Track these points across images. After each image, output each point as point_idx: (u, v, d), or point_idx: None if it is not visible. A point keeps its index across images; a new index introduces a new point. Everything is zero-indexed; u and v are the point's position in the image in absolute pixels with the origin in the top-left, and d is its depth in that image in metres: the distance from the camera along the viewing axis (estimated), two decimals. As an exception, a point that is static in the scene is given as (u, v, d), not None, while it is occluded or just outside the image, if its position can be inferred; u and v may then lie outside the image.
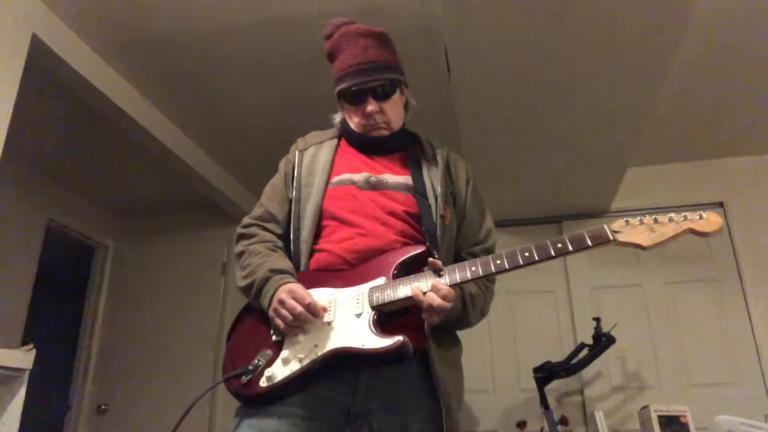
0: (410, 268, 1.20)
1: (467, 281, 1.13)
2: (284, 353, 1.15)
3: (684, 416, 2.87)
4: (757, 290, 3.49)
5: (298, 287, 1.19)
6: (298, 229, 1.34)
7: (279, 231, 1.39)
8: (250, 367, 1.15)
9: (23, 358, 2.22)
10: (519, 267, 1.09)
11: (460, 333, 1.35)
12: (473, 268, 1.12)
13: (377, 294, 1.16)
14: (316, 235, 1.33)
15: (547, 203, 3.75)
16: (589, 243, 1.05)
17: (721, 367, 3.43)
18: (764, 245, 3.55)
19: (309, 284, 1.23)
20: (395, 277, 1.18)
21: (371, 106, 1.35)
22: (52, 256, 3.87)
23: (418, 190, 1.34)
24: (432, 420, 1.14)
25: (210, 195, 3.83)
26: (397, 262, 1.20)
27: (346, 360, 1.12)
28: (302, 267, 1.31)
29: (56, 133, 3.39)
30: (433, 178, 1.37)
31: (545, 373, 3.16)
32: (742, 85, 3.00)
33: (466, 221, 1.39)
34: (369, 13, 2.28)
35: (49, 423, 4.14)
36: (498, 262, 1.10)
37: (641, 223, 1.07)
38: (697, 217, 1.04)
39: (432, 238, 1.26)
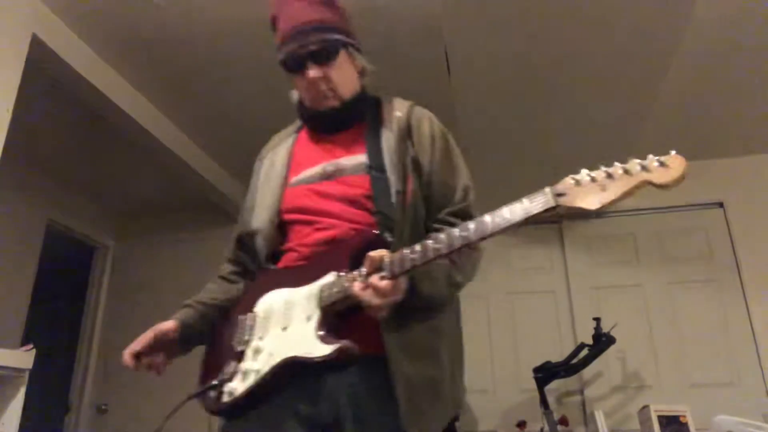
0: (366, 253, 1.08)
1: (405, 272, 0.99)
2: (244, 365, 1.11)
3: (684, 416, 2.87)
4: (757, 290, 3.49)
5: (152, 330, 1.22)
6: (253, 237, 1.28)
7: (232, 253, 1.37)
8: (216, 382, 1.11)
9: (23, 358, 2.22)
10: (455, 251, 0.96)
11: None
12: (413, 256, 0.98)
13: (326, 293, 1.07)
14: (281, 238, 1.27)
15: (547, 203, 3.74)
16: (533, 211, 0.93)
17: (721, 367, 3.43)
18: (764, 245, 3.55)
19: (269, 285, 1.19)
20: (350, 270, 1.06)
21: (312, 72, 1.23)
22: (52, 256, 3.87)
23: (374, 166, 1.21)
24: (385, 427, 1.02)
25: (210, 195, 3.83)
26: (347, 255, 1.09)
27: (304, 367, 1.03)
28: (270, 265, 1.26)
29: (56, 133, 3.39)
30: (390, 148, 1.23)
31: (545, 373, 3.17)
32: (742, 85, 3.00)
33: (435, 187, 1.22)
34: (369, 14, 2.28)
35: (49, 423, 4.14)
36: (436, 246, 0.96)
37: (593, 180, 0.93)
38: (656, 163, 0.87)
39: (386, 220, 1.14)
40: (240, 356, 1.12)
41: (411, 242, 1.03)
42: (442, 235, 0.97)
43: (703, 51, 2.68)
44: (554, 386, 3.39)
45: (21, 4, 2.22)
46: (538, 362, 3.22)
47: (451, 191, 1.23)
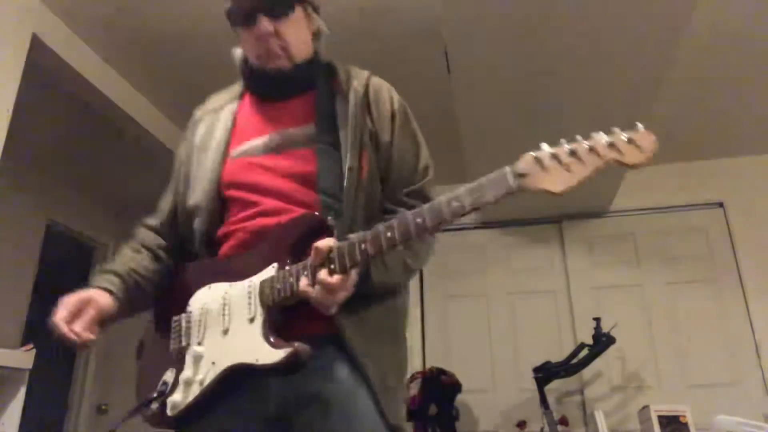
0: (311, 241, 0.96)
1: (356, 265, 0.90)
2: (185, 373, 1.00)
3: (684, 416, 2.87)
4: (757, 290, 3.49)
5: (74, 296, 1.08)
6: (191, 215, 1.14)
7: (160, 224, 1.22)
8: (155, 395, 1.01)
9: (23, 358, 2.22)
10: (411, 238, 0.88)
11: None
12: (364, 246, 0.88)
13: (267, 289, 0.96)
14: (221, 217, 1.12)
15: (547, 203, 3.74)
16: (491, 198, 0.84)
17: (721, 367, 3.43)
18: (764, 245, 3.55)
19: (202, 278, 1.06)
20: (293, 260, 0.97)
21: (263, 25, 1.10)
22: (52, 256, 3.87)
23: (321, 140, 1.08)
24: (364, 410, 0.96)
25: (210, 195, 3.83)
26: (287, 243, 0.98)
27: (252, 370, 0.94)
28: (206, 254, 1.12)
29: (56, 133, 3.38)
30: (345, 118, 1.11)
31: (545, 373, 3.17)
32: (742, 85, 3.00)
33: (394, 165, 1.12)
34: (369, 14, 2.28)
35: (49, 423, 4.14)
36: (389, 234, 0.87)
37: (555, 159, 0.84)
38: (624, 139, 0.81)
39: (332, 201, 1.02)
40: (178, 364, 1.02)
41: (364, 225, 0.97)
42: (395, 222, 0.88)
43: (703, 52, 2.68)
44: (554, 386, 3.38)
45: (21, 4, 2.22)
46: (538, 362, 3.22)
47: (410, 170, 1.14)
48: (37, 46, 2.28)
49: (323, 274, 0.89)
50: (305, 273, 0.92)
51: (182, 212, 1.17)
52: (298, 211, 1.03)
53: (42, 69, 2.44)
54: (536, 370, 3.19)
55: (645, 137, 0.81)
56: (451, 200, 0.86)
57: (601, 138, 0.83)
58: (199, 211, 1.13)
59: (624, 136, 0.81)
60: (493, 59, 2.30)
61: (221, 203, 1.12)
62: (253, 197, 1.08)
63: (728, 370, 3.42)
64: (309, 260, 0.92)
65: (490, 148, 3.03)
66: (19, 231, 3.62)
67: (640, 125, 0.81)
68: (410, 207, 0.95)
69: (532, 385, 3.22)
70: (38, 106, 3.01)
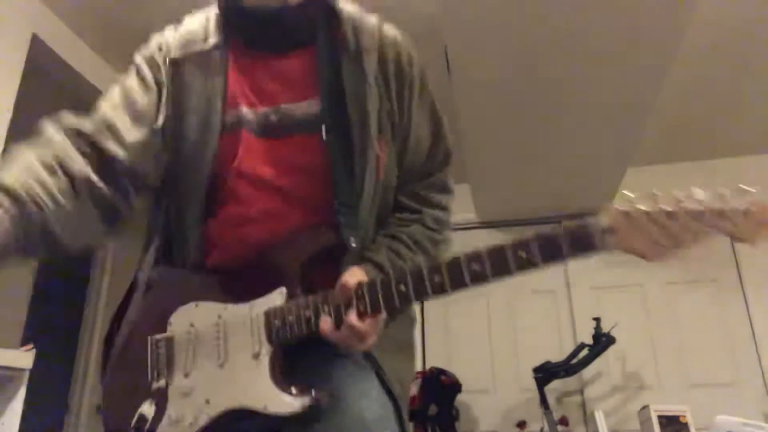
0: (324, 261, 0.83)
1: (394, 310, 0.75)
2: (171, 410, 0.82)
3: (684, 416, 2.87)
4: (757, 290, 3.49)
5: None
6: (181, 199, 0.89)
7: (121, 154, 0.86)
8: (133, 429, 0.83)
9: (23, 358, 2.22)
10: (462, 288, 0.73)
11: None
12: (401, 287, 0.73)
13: (277, 321, 0.78)
14: (208, 208, 0.89)
15: (547, 203, 3.74)
16: (567, 253, 0.69)
17: (721, 367, 3.43)
18: (764, 245, 3.54)
19: (186, 291, 0.86)
20: (303, 285, 0.80)
21: None
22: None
23: (329, 124, 0.86)
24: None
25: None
26: (296, 265, 0.81)
27: (254, 413, 0.78)
28: (190, 260, 0.89)
29: (56, 133, 3.38)
30: (358, 92, 0.86)
31: (545, 373, 3.16)
32: (742, 85, 3.00)
33: (409, 149, 0.92)
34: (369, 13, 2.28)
35: (49, 423, 4.14)
36: (436, 279, 0.72)
37: (649, 217, 0.64)
38: (740, 209, 0.61)
39: (349, 210, 0.84)
40: (159, 397, 0.83)
41: (375, 230, 0.85)
42: (444, 266, 0.73)
43: (703, 51, 2.68)
44: (554, 386, 3.38)
45: (21, 4, 2.22)
46: (538, 362, 3.21)
47: (430, 157, 0.95)
48: (37, 46, 2.28)
49: (353, 317, 0.73)
50: (325, 309, 0.76)
51: (175, 196, 0.90)
52: (299, 216, 0.85)
53: (42, 69, 2.44)
54: (536, 370, 3.19)
55: (763, 211, 0.62)
56: (517, 249, 0.71)
57: (708, 201, 0.64)
58: (191, 201, 0.88)
59: (738, 204, 0.62)
60: (493, 59, 2.30)
61: (210, 185, 0.88)
62: (247, 190, 0.86)
63: (728, 370, 3.42)
64: (331, 294, 0.76)
65: (490, 148, 3.03)
66: (19, 231, 3.61)
67: (751, 189, 0.63)
68: (428, 202, 0.87)
69: (532, 385, 3.22)
70: (39, 107, 3.01)
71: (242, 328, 0.81)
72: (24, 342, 3.10)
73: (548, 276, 3.84)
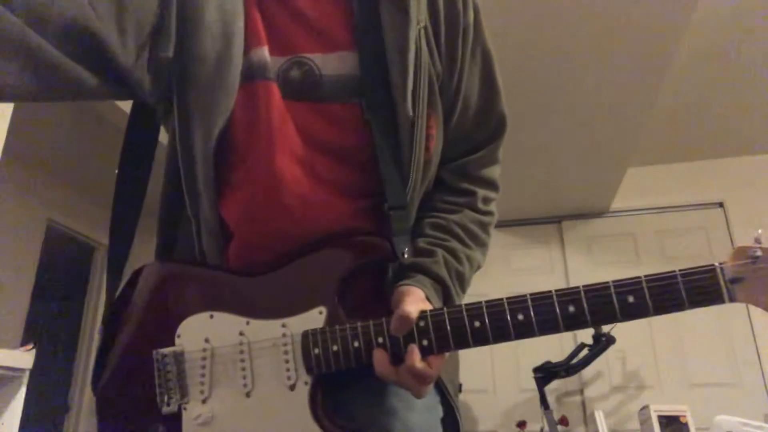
0: (366, 272, 0.69)
1: (464, 346, 0.62)
2: None
3: (684, 416, 2.87)
4: (757, 290, 3.49)
5: None
6: (189, 161, 0.68)
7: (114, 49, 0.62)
8: None
9: (23, 358, 2.22)
10: (554, 332, 0.63)
11: None
12: (476, 324, 0.61)
13: (317, 349, 0.64)
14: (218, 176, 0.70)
15: (547, 203, 3.75)
16: (685, 304, 0.59)
17: (721, 367, 3.43)
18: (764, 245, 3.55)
19: (197, 297, 0.70)
20: (343, 302, 0.65)
21: None
22: (52, 256, 3.87)
23: (370, 89, 0.67)
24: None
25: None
26: (337, 278, 0.65)
27: None
28: (205, 247, 0.71)
29: (56, 133, 3.38)
30: (401, 45, 0.67)
31: (545, 373, 3.17)
32: (742, 85, 3.00)
33: (456, 114, 0.74)
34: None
35: (49, 423, 4.14)
36: (520, 317, 0.62)
37: None
38: None
39: (403, 212, 0.68)
40: (171, 424, 0.68)
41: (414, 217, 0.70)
42: (531, 307, 0.62)
43: (703, 51, 2.68)
44: (554, 386, 3.39)
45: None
46: (538, 362, 3.21)
47: (479, 125, 0.76)
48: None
49: (415, 357, 0.59)
50: (379, 341, 0.61)
51: (181, 149, 0.69)
52: (338, 210, 0.68)
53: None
54: (536, 370, 3.19)
55: None
56: (626, 295, 0.58)
57: None
58: (199, 161, 0.68)
59: None
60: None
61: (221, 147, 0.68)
62: (261, 168, 0.67)
63: (728, 370, 3.42)
64: (386, 323, 0.62)
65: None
66: (19, 231, 3.62)
67: None
68: (479, 180, 0.72)
69: (532, 385, 3.22)
70: (38, 107, 3.01)
71: (272, 352, 0.66)
72: (24, 342, 3.10)
73: (548, 276, 3.84)
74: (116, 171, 0.75)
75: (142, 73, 0.66)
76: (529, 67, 2.34)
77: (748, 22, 2.51)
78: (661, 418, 2.88)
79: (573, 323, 0.60)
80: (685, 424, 2.85)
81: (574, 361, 3.18)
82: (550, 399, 3.24)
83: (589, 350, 3.19)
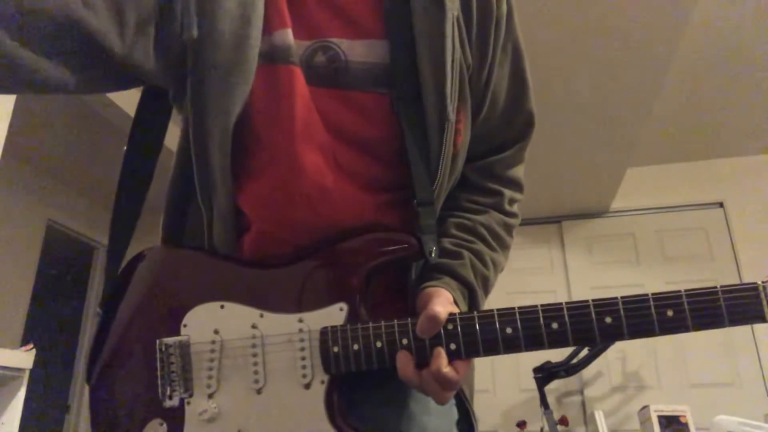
0: (389, 269, 0.67)
1: (494, 352, 0.59)
2: None
3: (684, 416, 2.87)
4: (757, 290, 3.49)
5: None
6: (203, 146, 0.67)
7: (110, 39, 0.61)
8: None
9: (23, 358, 2.22)
10: (587, 345, 0.65)
11: None
12: (508, 330, 0.58)
13: (336, 347, 0.61)
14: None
15: (547, 203, 3.75)
16: (724, 322, 0.55)
17: (721, 367, 3.43)
18: (764, 245, 3.55)
19: (206, 285, 0.66)
20: (366, 299, 0.63)
21: None
22: (52, 256, 3.87)
23: (400, 81, 0.64)
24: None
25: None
26: (361, 274, 0.62)
27: None
28: (216, 239, 0.68)
29: (56, 133, 3.39)
30: (434, 34, 0.64)
31: (545, 373, 3.17)
32: (742, 85, 3.00)
33: (484, 109, 0.71)
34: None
35: (49, 423, 4.14)
36: (554, 326, 0.57)
37: None
38: None
39: (431, 210, 0.66)
40: (172, 419, 0.65)
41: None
42: (571, 319, 0.57)
43: (703, 51, 2.68)
44: (554, 386, 3.39)
45: None
46: (538, 362, 3.22)
47: (507, 123, 0.74)
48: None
49: (442, 361, 0.57)
50: (404, 342, 0.59)
51: (195, 138, 0.68)
52: (362, 203, 0.64)
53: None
54: (536, 370, 3.19)
55: None
56: (665, 309, 0.56)
57: None
58: (215, 150, 0.65)
59: None
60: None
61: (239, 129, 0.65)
62: (281, 155, 0.64)
63: (728, 370, 3.42)
64: (412, 324, 0.59)
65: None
66: (19, 231, 3.62)
67: None
68: (505, 180, 0.70)
69: (532, 385, 3.22)
70: (38, 107, 3.01)
71: (287, 347, 0.63)
72: (24, 342, 3.10)
73: (548, 276, 3.84)
74: (123, 151, 0.76)
75: (145, 54, 0.65)
76: (529, 68, 2.35)
77: (748, 22, 2.51)
78: (661, 418, 2.88)
79: (609, 335, 0.57)
80: (685, 424, 2.85)
81: (574, 361, 3.18)
82: (550, 399, 3.24)
83: (589, 350, 3.19)
